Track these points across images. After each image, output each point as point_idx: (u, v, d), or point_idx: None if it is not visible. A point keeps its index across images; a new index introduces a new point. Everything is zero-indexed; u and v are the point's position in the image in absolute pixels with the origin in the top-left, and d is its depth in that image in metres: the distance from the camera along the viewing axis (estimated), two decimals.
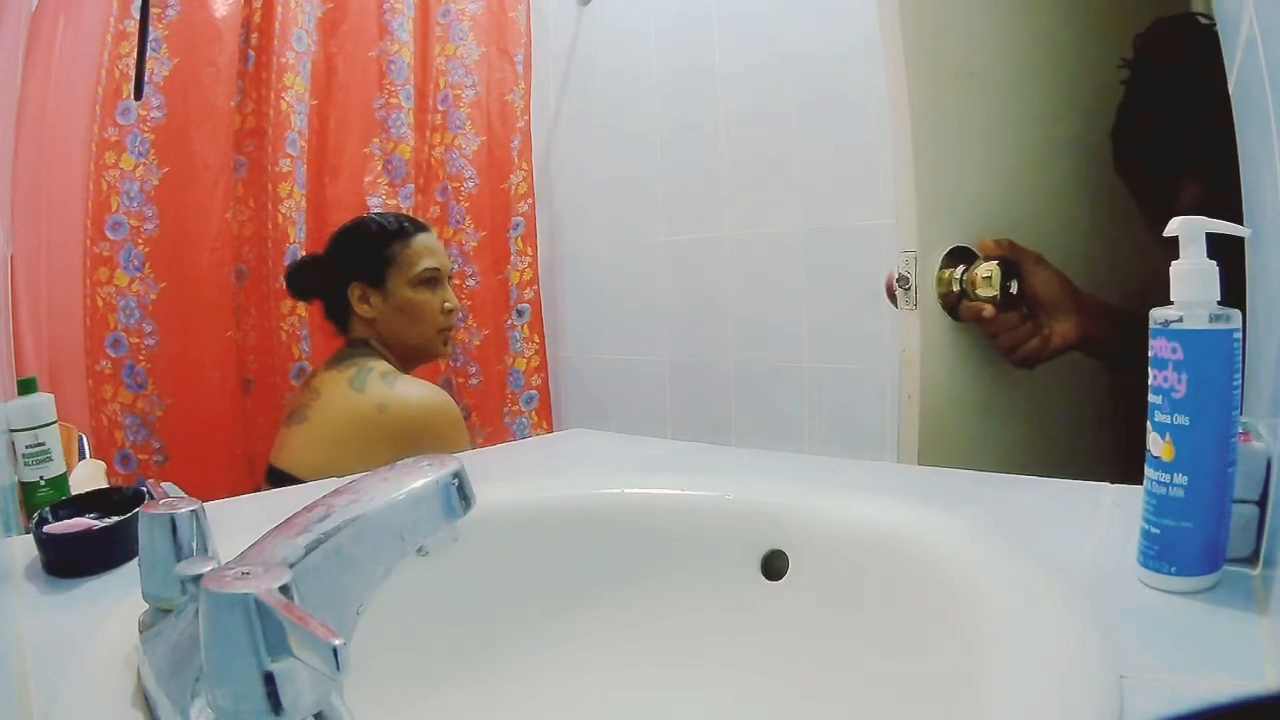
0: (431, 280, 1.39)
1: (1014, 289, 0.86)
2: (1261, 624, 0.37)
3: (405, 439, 1.26)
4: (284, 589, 0.29)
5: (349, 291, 1.37)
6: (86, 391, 1.41)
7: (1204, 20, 0.83)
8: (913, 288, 0.84)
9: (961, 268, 0.86)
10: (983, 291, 0.85)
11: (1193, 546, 0.41)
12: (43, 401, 0.86)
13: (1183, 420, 0.40)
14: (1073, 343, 0.87)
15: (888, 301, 0.92)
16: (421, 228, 1.43)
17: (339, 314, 1.41)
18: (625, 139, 1.87)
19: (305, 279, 1.43)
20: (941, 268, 0.86)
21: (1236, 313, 0.40)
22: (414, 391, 1.32)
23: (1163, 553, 0.41)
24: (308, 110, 1.67)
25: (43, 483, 0.83)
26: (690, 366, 1.79)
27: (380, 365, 1.34)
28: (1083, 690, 0.32)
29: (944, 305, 0.87)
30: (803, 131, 1.56)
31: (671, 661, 0.54)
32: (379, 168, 1.78)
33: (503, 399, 1.98)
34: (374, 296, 1.37)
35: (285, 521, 0.36)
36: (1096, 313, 0.88)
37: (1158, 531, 0.41)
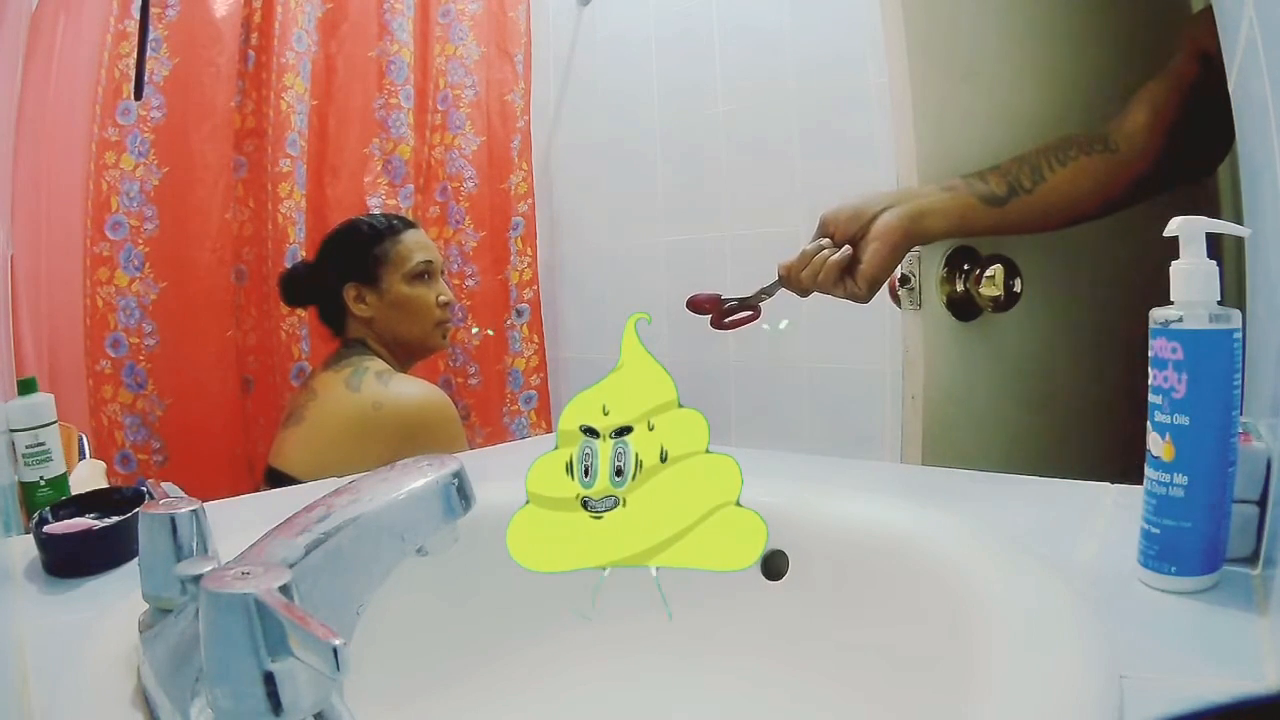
0: (425, 274, 1.40)
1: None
2: (1261, 624, 0.37)
3: (401, 437, 1.26)
4: (284, 589, 0.29)
5: (344, 293, 1.37)
6: (86, 391, 1.41)
7: None
8: (916, 287, 0.84)
9: (965, 267, 0.86)
10: (986, 290, 0.85)
11: (1193, 546, 0.41)
12: (43, 401, 0.85)
13: (1183, 420, 0.40)
14: (898, 234, 0.75)
15: (888, 301, 0.91)
16: (410, 224, 1.45)
17: (334, 317, 1.42)
18: (625, 139, 1.87)
19: (299, 285, 1.44)
20: (944, 267, 0.86)
21: (1236, 313, 0.40)
22: (409, 390, 1.32)
23: (1163, 553, 0.41)
24: (308, 110, 1.67)
25: (43, 483, 0.83)
26: (690, 366, 1.79)
27: (376, 364, 1.34)
28: (1083, 690, 0.32)
29: (948, 305, 0.87)
30: (803, 131, 1.55)
31: (671, 661, 0.54)
32: (379, 168, 1.78)
33: (502, 399, 1.97)
34: (370, 295, 1.37)
35: (285, 521, 0.36)
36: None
37: (1158, 531, 0.41)
